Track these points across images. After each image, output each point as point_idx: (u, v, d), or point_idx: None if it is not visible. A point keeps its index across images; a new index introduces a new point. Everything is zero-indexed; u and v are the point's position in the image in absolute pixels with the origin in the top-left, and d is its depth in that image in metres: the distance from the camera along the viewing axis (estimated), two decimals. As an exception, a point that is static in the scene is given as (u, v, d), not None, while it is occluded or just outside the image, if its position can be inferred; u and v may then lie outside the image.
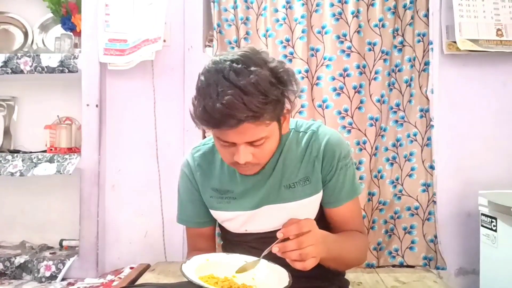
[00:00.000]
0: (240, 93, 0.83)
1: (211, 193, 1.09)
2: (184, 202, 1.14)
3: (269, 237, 1.05)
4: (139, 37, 1.80)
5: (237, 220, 1.08)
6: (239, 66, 0.86)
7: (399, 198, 1.80)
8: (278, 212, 1.04)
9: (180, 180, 1.14)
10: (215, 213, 1.10)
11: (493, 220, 1.56)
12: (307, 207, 1.06)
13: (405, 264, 1.79)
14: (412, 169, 1.80)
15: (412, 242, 1.79)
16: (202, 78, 0.89)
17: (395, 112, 1.82)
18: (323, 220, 1.10)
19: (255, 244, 1.08)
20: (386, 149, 1.81)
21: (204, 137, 1.84)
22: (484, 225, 1.62)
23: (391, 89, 1.81)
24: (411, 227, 1.79)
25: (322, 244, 0.89)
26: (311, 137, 1.06)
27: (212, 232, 1.17)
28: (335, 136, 1.06)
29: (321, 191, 1.06)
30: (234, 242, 1.13)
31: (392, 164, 1.81)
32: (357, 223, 1.10)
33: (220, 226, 1.16)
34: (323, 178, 1.05)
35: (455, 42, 1.77)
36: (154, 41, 1.77)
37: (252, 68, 0.85)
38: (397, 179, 1.81)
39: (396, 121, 1.82)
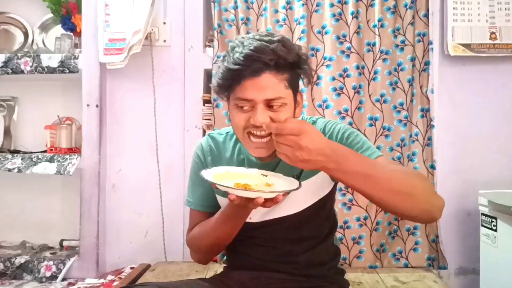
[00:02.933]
0: (268, 44, 0.90)
1: None
2: (195, 185, 1.14)
3: (271, 225, 1.06)
4: (132, 33, 1.80)
5: None
6: (265, 33, 0.95)
7: (402, 198, 1.80)
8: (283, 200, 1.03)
9: (192, 163, 1.15)
10: (221, 200, 1.10)
11: (493, 219, 1.56)
12: (313, 185, 1.04)
13: (409, 266, 1.78)
14: (415, 169, 1.80)
15: (416, 243, 1.78)
16: (229, 45, 0.95)
17: (399, 111, 1.81)
18: (325, 210, 1.09)
19: (258, 239, 1.07)
20: (391, 149, 1.81)
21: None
22: (484, 224, 1.62)
23: (394, 88, 1.81)
24: (415, 227, 1.79)
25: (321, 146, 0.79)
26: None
27: None
28: (332, 121, 1.07)
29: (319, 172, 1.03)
30: (237, 238, 1.13)
31: None
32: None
33: None
34: None
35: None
36: (138, 32, 1.76)
37: (277, 36, 0.94)
38: (400, 180, 1.80)
39: (400, 121, 1.81)
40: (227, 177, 0.93)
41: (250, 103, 0.91)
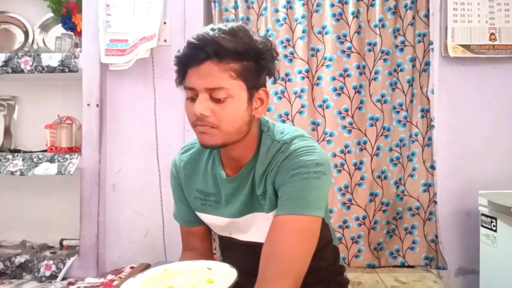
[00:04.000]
0: (212, 32, 0.87)
1: (195, 194, 1.06)
2: (176, 200, 1.13)
3: (258, 246, 0.96)
4: (137, 36, 1.80)
5: (220, 225, 1.05)
6: (227, 23, 0.90)
7: (401, 198, 1.81)
8: (259, 221, 0.99)
9: (170, 178, 1.13)
10: (199, 215, 1.08)
11: (493, 220, 1.56)
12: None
13: (406, 264, 1.79)
14: (414, 169, 1.81)
15: (413, 242, 1.79)
16: None
17: (398, 112, 1.82)
18: None
19: (245, 251, 1.04)
20: (390, 149, 1.81)
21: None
22: (484, 225, 1.62)
23: (393, 89, 1.81)
24: (412, 227, 1.79)
25: None
26: (279, 148, 0.95)
27: (204, 231, 1.13)
28: (305, 148, 0.93)
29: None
30: (226, 246, 1.12)
31: (396, 164, 1.81)
32: (287, 257, 0.84)
33: None
34: (276, 188, 0.94)
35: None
36: (150, 39, 1.77)
37: (235, 25, 0.90)
38: (400, 180, 1.81)
39: (399, 121, 1.82)
40: (164, 278, 0.88)
41: (193, 92, 0.89)
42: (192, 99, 0.90)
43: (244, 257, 1.05)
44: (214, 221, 1.06)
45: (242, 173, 0.99)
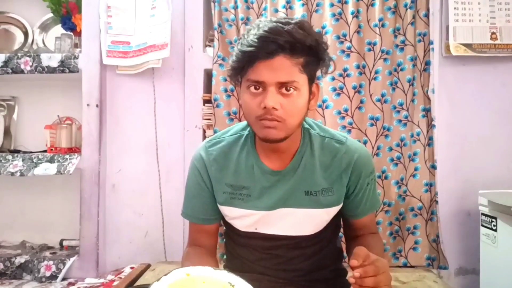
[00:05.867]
0: (283, 25, 0.87)
1: (225, 189, 1.04)
2: (191, 197, 1.09)
3: (277, 240, 1.04)
4: (144, 41, 1.80)
5: (248, 219, 1.03)
6: (284, 17, 0.94)
7: (404, 199, 1.80)
8: (294, 216, 1.01)
9: (190, 174, 1.09)
10: (226, 209, 1.05)
11: (493, 219, 1.56)
12: (324, 216, 1.04)
13: (408, 265, 1.78)
14: (416, 169, 1.80)
15: (416, 242, 1.78)
16: (246, 29, 0.95)
17: (398, 111, 1.81)
18: (333, 223, 1.09)
19: (260, 247, 1.06)
20: (390, 149, 1.81)
21: (204, 137, 1.84)
22: (484, 224, 1.62)
23: (393, 88, 1.81)
24: (415, 227, 1.79)
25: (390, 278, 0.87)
26: (339, 148, 1.02)
27: (216, 229, 1.12)
28: (364, 152, 1.05)
29: (341, 204, 1.04)
30: (238, 243, 1.11)
31: (396, 164, 1.80)
32: (374, 227, 1.13)
33: (226, 224, 1.12)
34: (347, 191, 1.04)
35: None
36: (161, 48, 1.77)
37: (296, 19, 0.91)
38: (401, 180, 1.80)
39: (400, 121, 1.81)
40: (187, 284, 0.84)
41: (261, 85, 0.88)
42: (254, 91, 0.90)
43: (256, 253, 1.07)
44: (243, 214, 1.03)
45: (290, 167, 1.01)
